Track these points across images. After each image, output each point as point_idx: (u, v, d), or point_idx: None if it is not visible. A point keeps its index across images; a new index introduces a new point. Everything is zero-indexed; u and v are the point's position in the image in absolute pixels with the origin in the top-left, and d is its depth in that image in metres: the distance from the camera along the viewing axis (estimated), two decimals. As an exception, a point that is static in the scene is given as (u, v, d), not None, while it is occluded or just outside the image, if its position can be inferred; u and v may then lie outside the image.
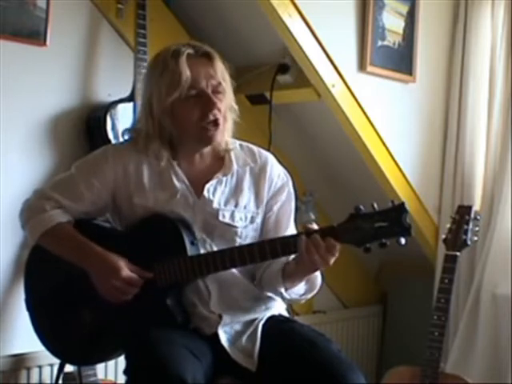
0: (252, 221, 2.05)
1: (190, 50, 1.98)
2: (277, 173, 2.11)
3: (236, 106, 2.07)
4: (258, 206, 2.06)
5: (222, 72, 2.01)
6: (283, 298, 2.06)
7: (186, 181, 2.03)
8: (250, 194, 2.06)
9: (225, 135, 2.05)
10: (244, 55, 3.21)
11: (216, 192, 2.03)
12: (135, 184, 2.03)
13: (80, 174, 2.06)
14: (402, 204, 1.82)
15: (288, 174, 2.14)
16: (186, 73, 1.94)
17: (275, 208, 2.09)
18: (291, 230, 2.10)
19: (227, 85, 2.02)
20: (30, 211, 2.08)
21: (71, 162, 2.15)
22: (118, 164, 2.03)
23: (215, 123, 1.98)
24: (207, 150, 2.06)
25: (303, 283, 1.99)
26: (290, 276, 1.96)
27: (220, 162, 2.07)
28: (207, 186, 2.02)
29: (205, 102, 1.97)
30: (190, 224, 1.99)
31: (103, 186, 2.03)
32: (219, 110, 1.99)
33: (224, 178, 2.05)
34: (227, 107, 2.03)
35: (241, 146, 2.12)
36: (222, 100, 2.00)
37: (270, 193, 2.09)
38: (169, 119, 1.99)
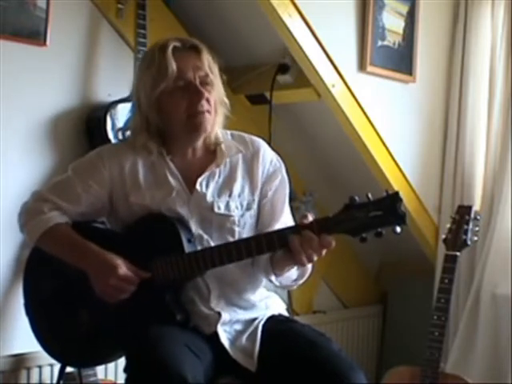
0: (248, 208, 2.06)
1: (177, 43, 2.00)
2: (269, 158, 2.11)
3: (227, 101, 2.08)
4: (253, 193, 2.07)
5: (209, 64, 2.01)
6: (275, 284, 2.05)
7: (180, 177, 2.03)
8: (244, 181, 2.07)
9: (215, 128, 2.06)
10: (244, 55, 3.21)
11: (209, 185, 2.03)
12: (131, 183, 2.03)
13: (77, 176, 2.07)
14: (396, 193, 1.82)
15: (280, 160, 2.14)
16: (172, 65, 1.96)
17: (270, 194, 2.08)
18: (286, 215, 2.10)
19: (215, 77, 2.03)
20: (28, 214, 2.08)
21: (71, 162, 2.15)
22: (114, 164, 2.04)
23: (203, 112, 1.98)
24: (199, 143, 2.06)
25: (295, 269, 1.98)
26: (279, 264, 1.95)
27: (212, 155, 2.07)
28: (199, 180, 2.02)
29: (192, 92, 1.98)
30: (187, 221, 2.00)
31: (100, 186, 2.04)
32: (208, 100, 1.99)
33: (217, 170, 2.05)
34: (217, 100, 2.03)
35: (232, 135, 2.13)
36: (210, 91, 2.00)
37: (264, 178, 2.08)
38: (155, 113, 2.01)
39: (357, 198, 1.83)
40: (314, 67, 2.96)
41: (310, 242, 1.82)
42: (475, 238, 2.82)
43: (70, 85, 2.78)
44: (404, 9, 3.26)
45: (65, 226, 2.04)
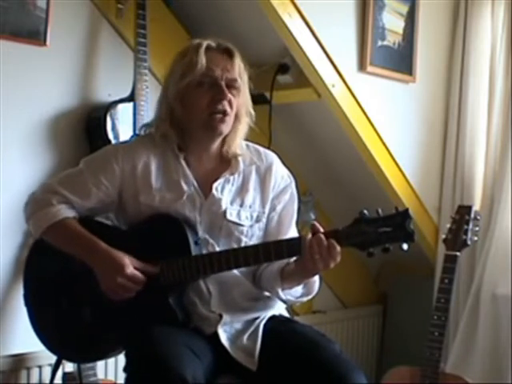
0: (258, 220, 2.07)
1: (212, 43, 2.04)
2: (281, 174, 2.14)
3: (253, 112, 2.10)
4: (263, 205, 2.08)
5: (239, 70, 2.05)
6: (279, 298, 2.06)
7: (195, 183, 2.04)
8: (256, 193, 2.08)
9: (237, 138, 2.08)
10: (244, 55, 3.19)
11: (224, 190, 2.05)
12: (142, 183, 2.03)
13: (89, 171, 2.06)
14: (406, 210, 1.85)
15: (292, 176, 2.16)
16: (202, 60, 1.99)
17: (278, 208, 2.10)
18: (293, 231, 2.12)
19: (243, 85, 2.06)
20: (36, 204, 2.07)
21: (71, 162, 2.15)
22: (127, 162, 2.04)
23: (223, 113, 2.00)
24: (215, 148, 2.07)
25: (301, 286, 2.00)
26: (289, 276, 1.97)
27: (226, 163, 2.08)
28: (215, 184, 2.03)
29: (216, 91, 2.00)
30: (194, 224, 2.00)
31: (111, 183, 2.04)
32: (230, 103, 2.01)
33: (231, 177, 2.06)
34: (241, 108, 2.06)
35: (247, 146, 2.15)
36: (235, 96, 2.03)
37: (274, 192, 2.10)
38: (179, 104, 2.03)
39: (366, 212, 1.85)
40: (313, 67, 2.96)
41: (320, 246, 1.84)
42: (475, 238, 2.82)
43: (70, 85, 2.78)
44: (404, 9, 3.26)
45: (73, 221, 2.03)
